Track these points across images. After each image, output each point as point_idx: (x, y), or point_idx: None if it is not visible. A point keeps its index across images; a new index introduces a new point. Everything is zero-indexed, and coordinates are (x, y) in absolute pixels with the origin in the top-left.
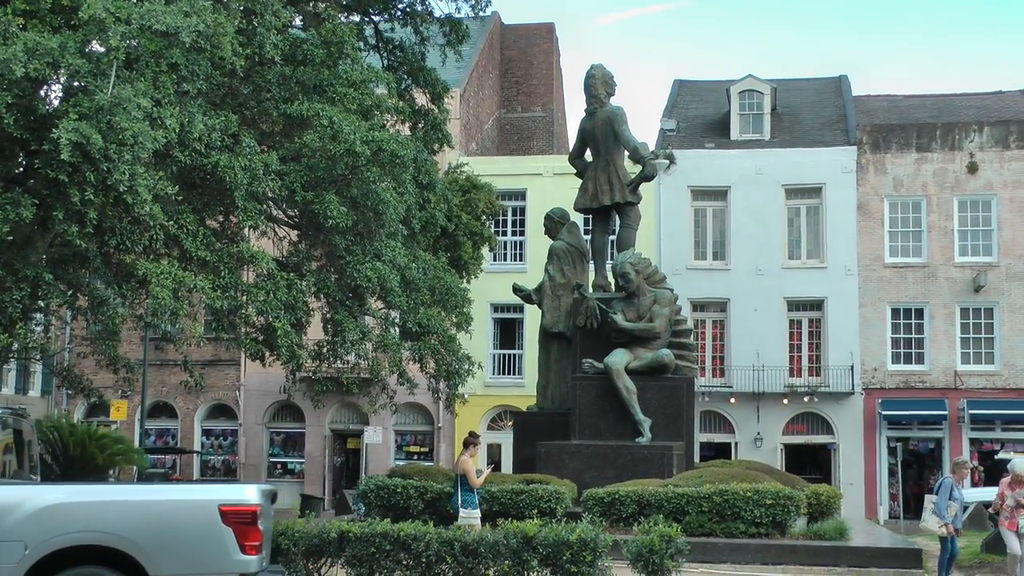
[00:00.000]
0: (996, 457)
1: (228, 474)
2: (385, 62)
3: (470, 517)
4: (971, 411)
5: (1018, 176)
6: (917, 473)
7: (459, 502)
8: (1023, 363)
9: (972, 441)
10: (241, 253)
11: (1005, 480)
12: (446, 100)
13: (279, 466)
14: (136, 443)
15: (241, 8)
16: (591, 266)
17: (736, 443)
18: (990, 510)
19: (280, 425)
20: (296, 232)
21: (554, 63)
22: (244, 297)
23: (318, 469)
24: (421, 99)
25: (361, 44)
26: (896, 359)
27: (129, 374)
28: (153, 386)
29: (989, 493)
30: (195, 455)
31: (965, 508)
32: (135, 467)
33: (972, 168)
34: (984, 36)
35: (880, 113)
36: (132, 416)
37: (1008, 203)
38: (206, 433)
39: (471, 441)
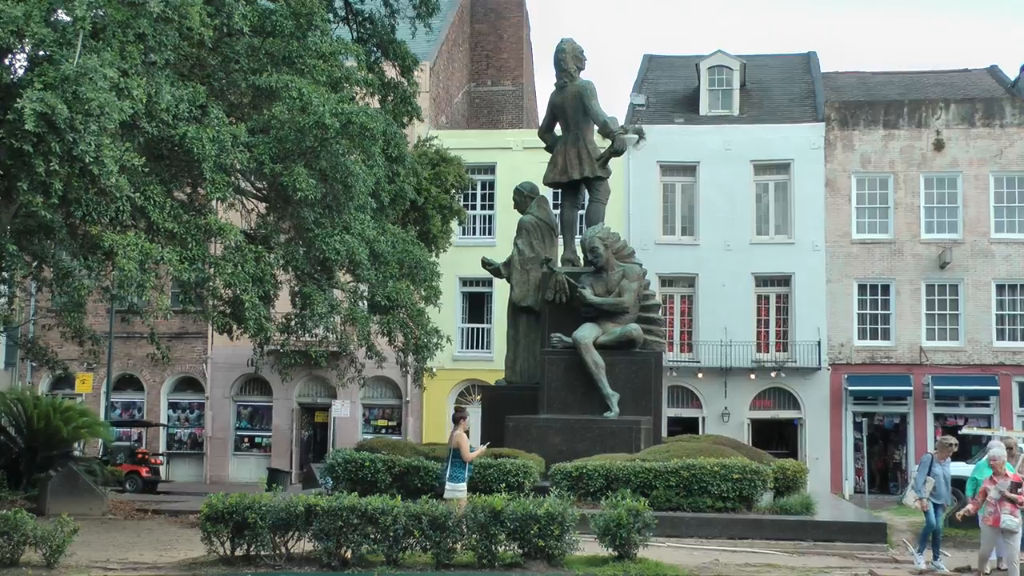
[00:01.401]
0: (960, 433)
1: (195, 447)
2: (355, 34)
3: (455, 491)
4: (936, 387)
5: (983, 154)
6: (882, 448)
7: (447, 476)
8: (987, 339)
9: (937, 416)
10: (209, 225)
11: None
12: (416, 73)
13: (246, 439)
14: (102, 416)
15: None
16: (560, 240)
17: (703, 418)
18: (967, 508)
19: (247, 398)
20: (264, 204)
21: (524, 37)
22: (212, 270)
23: (285, 443)
24: (391, 72)
25: (330, 16)
26: (862, 335)
27: (95, 346)
28: (119, 359)
29: (958, 468)
30: (161, 428)
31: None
32: (101, 440)
33: (938, 145)
34: (951, 15)
35: (848, 90)
36: (98, 389)
37: (973, 180)
38: (172, 406)
39: (460, 416)
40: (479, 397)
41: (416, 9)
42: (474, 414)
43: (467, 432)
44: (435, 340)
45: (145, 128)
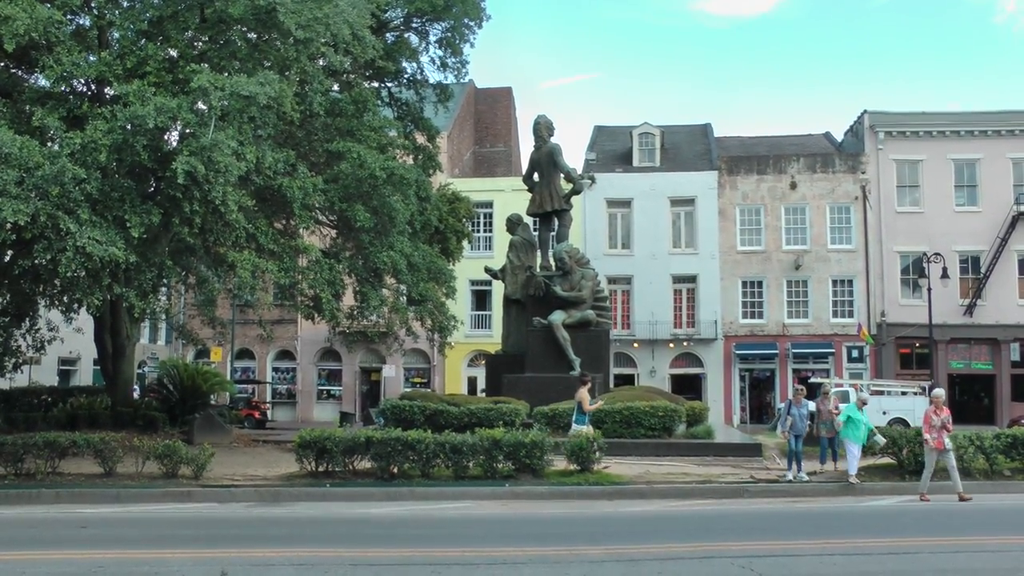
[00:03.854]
0: (809, 381)
1: (290, 398)
2: (395, 113)
3: (577, 433)
4: (794, 350)
5: (822, 191)
6: (758, 393)
7: (573, 420)
8: (827, 318)
9: (794, 371)
10: (297, 246)
11: (929, 408)
12: (437, 140)
13: (324, 392)
14: (228, 376)
15: (298, 79)
16: (539, 253)
17: (638, 374)
18: (927, 438)
19: (325, 364)
20: (335, 231)
21: (512, 114)
22: (299, 276)
23: (351, 394)
24: (420, 139)
25: (379, 102)
26: (745, 316)
27: (222, 329)
28: (239, 337)
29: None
30: (268, 385)
31: (812, 418)
32: (228, 393)
33: (793, 186)
34: (802, 95)
35: (733, 148)
36: (225, 358)
37: (816, 209)
38: (275, 370)
39: (584, 379)
40: (484, 362)
41: (437, 96)
42: (480, 374)
43: (589, 391)
44: (452, 323)
45: (255, 180)
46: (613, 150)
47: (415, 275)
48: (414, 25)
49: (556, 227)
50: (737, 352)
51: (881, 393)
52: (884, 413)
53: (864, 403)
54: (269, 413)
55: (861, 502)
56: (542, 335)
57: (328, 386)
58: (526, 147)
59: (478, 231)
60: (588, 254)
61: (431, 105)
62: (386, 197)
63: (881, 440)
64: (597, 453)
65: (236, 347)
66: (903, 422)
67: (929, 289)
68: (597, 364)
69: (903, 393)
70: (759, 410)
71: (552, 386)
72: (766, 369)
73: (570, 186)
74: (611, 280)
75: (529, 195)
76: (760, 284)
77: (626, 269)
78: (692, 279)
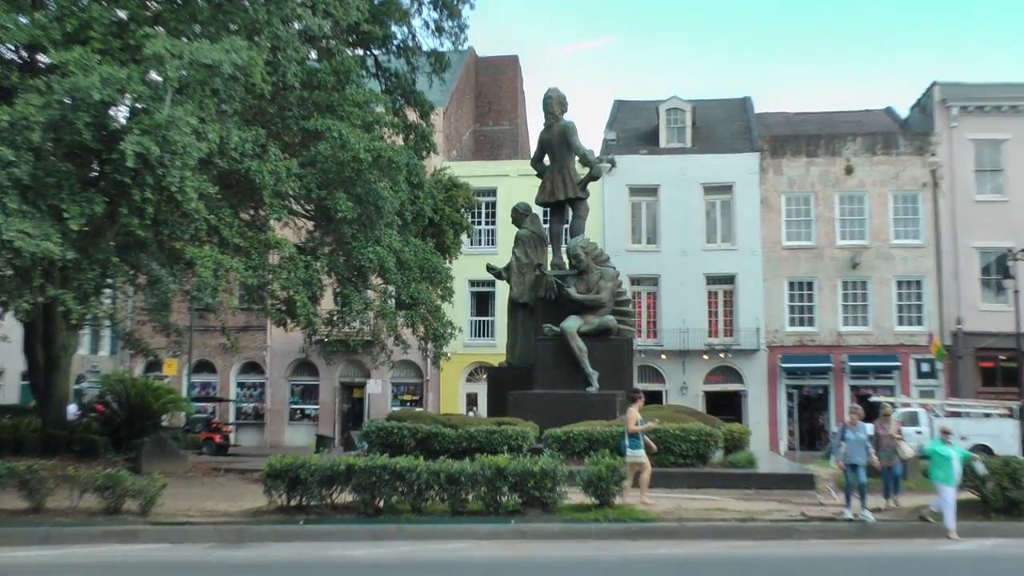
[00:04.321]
0: (869, 400)
1: (257, 418)
2: (383, 86)
3: (634, 456)
4: (851, 364)
5: (883, 176)
6: (809, 414)
7: (625, 445)
8: (889, 325)
9: (852, 388)
10: (268, 240)
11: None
12: (432, 116)
13: (298, 412)
14: (184, 393)
15: (269, 45)
16: (549, 249)
17: (666, 391)
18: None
19: (299, 379)
20: (312, 223)
21: (518, 87)
22: (270, 275)
23: (330, 414)
24: (412, 116)
25: (364, 72)
26: (792, 322)
27: (178, 337)
28: (197, 347)
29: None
30: (231, 403)
31: (876, 445)
32: (183, 412)
33: (848, 170)
34: (858, 64)
35: (777, 126)
36: (181, 372)
37: (877, 197)
38: (240, 385)
39: (633, 396)
40: (485, 376)
41: (432, 66)
42: (481, 390)
43: (638, 409)
44: (449, 330)
45: (218, 163)
46: (637, 129)
47: (405, 274)
48: None
49: (570, 219)
50: (783, 366)
51: (959, 415)
52: (963, 439)
53: (948, 433)
54: (232, 437)
55: (938, 546)
56: (554, 345)
57: (303, 404)
58: (535, 125)
59: (479, 223)
60: (608, 250)
61: (425, 77)
62: (372, 183)
63: (982, 468)
64: (619, 484)
65: (194, 359)
66: (986, 449)
67: (1016, 292)
68: (618, 379)
69: (986, 415)
70: (810, 434)
71: (566, 405)
72: (818, 386)
73: (586, 171)
74: (634, 280)
75: (538, 181)
76: (810, 285)
77: (652, 268)
78: (730, 279)
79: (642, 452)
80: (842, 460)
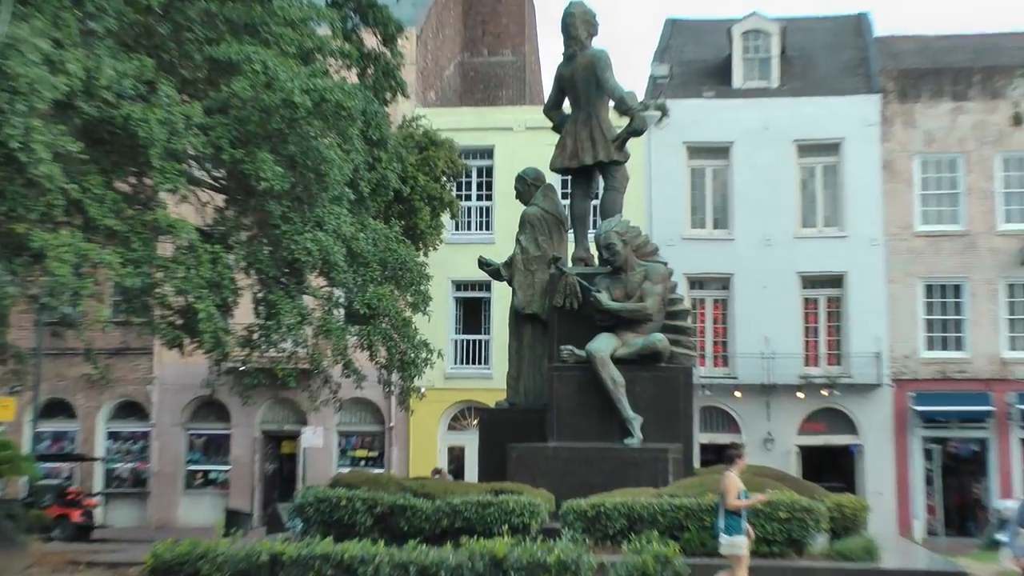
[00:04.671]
0: None
1: (137, 485)
2: None
3: (732, 545)
4: (1021, 406)
5: None
6: (958, 481)
7: (720, 526)
8: None
9: None
10: (157, 222)
11: None
12: (400, 42)
13: (199, 475)
14: (26, 449)
15: None
16: (570, 236)
17: (743, 444)
18: None
19: (201, 426)
20: (223, 197)
21: (525, 1)
22: (160, 274)
23: (246, 478)
24: (371, 41)
25: None
26: (931, 344)
27: (19, 366)
28: (48, 380)
29: None
30: (98, 462)
31: None
32: (25, 478)
33: (1017, 120)
34: None
35: (908, 56)
36: (21, 416)
37: None
38: (112, 436)
39: (736, 455)
40: (475, 422)
41: None
42: (469, 443)
43: (739, 473)
44: (424, 355)
45: (83, 109)
46: (699, 61)
47: (360, 272)
48: None
49: (601, 192)
50: (917, 408)
51: None
52: None
53: None
54: (99, 513)
55: None
56: (577, 377)
57: (206, 464)
58: (550, 57)
59: (468, 197)
60: (656, 237)
61: None
62: (311, 139)
63: None
64: None
65: (43, 397)
66: None
67: None
68: (670, 426)
69: None
70: (960, 511)
71: (594, 465)
72: (971, 439)
73: (626, 122)
74: (695, 283)
75: (554, 137)
76: (957, 290)
77: (721, 264)
78: (836, 281)
79: (743, 540)
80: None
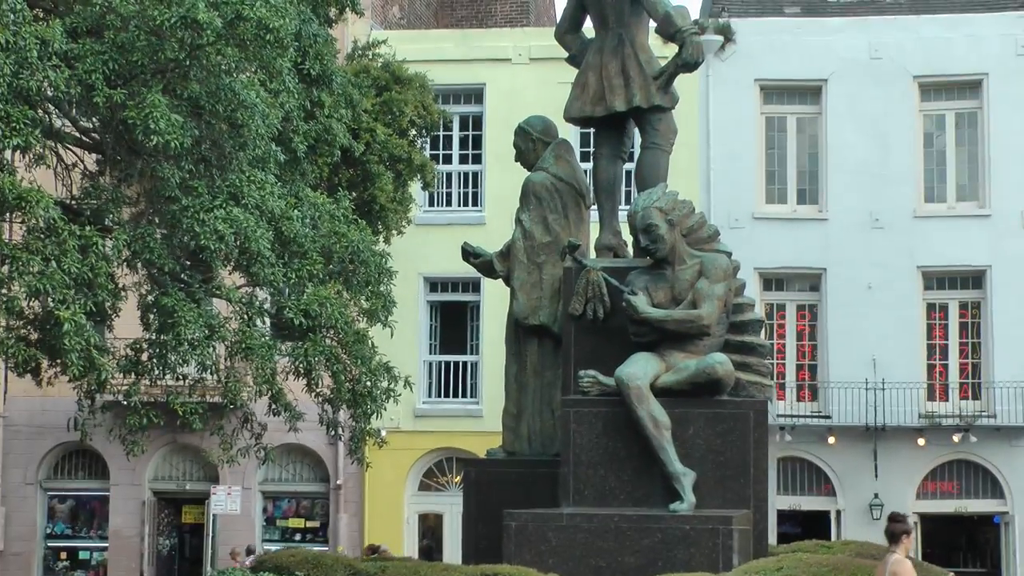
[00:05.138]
0: None
1: None
2: None
3: None
4: None
5: None
6: None
7: None
8: None
9: None
10: (2, 192)
11: None
12: None
13: (64, 554)
14: None
15: None
16: (594, 214)
17: (840, 511)
18: None
19: (66, 485)
20: (96, 157)
21: None
22: (6, 267)
23: (131, 558)
24: None
25: None
26: None
27: None
28: None
29: None
30: None
31: None
32: None
33: None
34: None
35: None
36: None
37: None
38: None
39: (899, 529)
40: (458, 479)
41: None
42: (449, 509)
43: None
44: (385, 383)
45: None
46: None
47: (294, 267)
48: None
49: (638, 151)
50: None
51: None
52: None
53: None
54: None
55: None
56: (603, 415)
57: (75, 540)
58: None
59: (447, 159)
60: (715, 217)
61: None
62: (222, 75)
63: None
64: None
65: None
66: None
67: None
68: (736, 484)
69: None
70: None
71: (627, 538)
72: None
73: (672, 51)
74: (769, 282)
75: (569, 75)
76: None
77: (809, 255)
78: (975, 279)
79: None
80: None
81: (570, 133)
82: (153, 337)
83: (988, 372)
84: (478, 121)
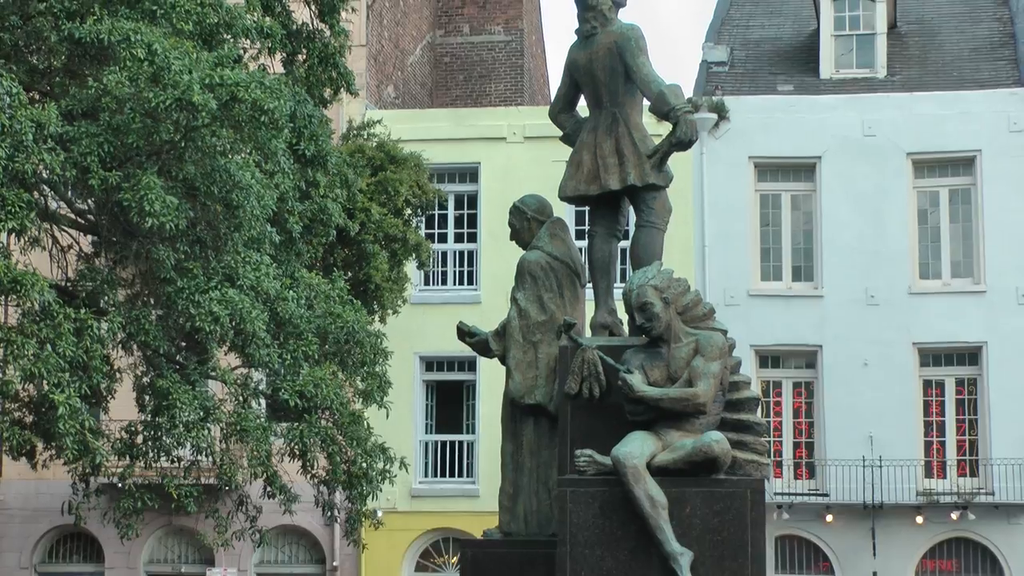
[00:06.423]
0: None
1: None
2: None
3: None
4: None
5: None
6: None
7: None
8: None
9: None
10: None
11: None
12: (344, 14)
13: None
14: None
15: None
16: (589, 292)
17: None
18: None
19: (62, 568)
20: (91, 239)
21: None
22: (0, 351)
23: None
24: (302, 13)
25: None
26: None
27: None
28: None
29: None
30: None
31: None
32: None
33: None
34: None
35: None
36: None
37: None
38: None
39: None
40: (455, 560)
41: None
42: None
43: None
44: (381, 464)
45: None
46: (770, 40)
47: (290, 348)
48: None
49: (633, 229)
50: None
51: None
52: None
53: None
54: None
55: None
56: (600, 495)
57: None
58: (560, 35)
59: (442, 238)
60: (711, 295)
61: None
62: (218, 156)
63: None
64: None
65: None
66: None
67: None
68: (734, 563)
69: None
70: None
71: None
72: None
73: (666, 129)
74: (765, 359)
75: (564, 152)
76: None
77: (805, 332)
78: (971, 356)
79: None
80: None
81: (565, 211)
82: (148, 419)
83: (985, 449)
84: (473, 200)
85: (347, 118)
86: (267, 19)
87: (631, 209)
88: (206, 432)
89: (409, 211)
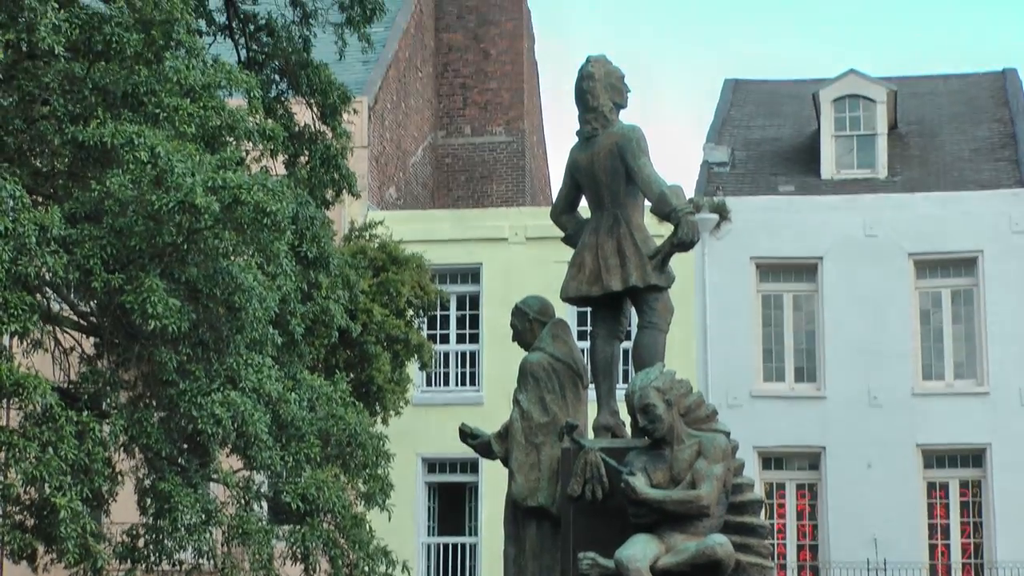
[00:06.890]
0: None
1: None
2: (244, 53)
3: None
4: None
5: None
6: None
7: None
8: None
9: None
10: None
11: None
12: (345, 116)
13: None
14: None
15: None
16: (591, 394)
17: None
18: None
19: None
20: (93, 341)
21: (525, 52)
22: (2, 454)
23: None
24: (304, 116)
25: (203, 23)
26: None
27: None
28: None
29: None
30: None
31: None
32: None
33: None
34: None
35: None
36: None
37: None
38: None
39: None
40: None
41: (346, 10)
42: None
43: None
44: (383, 568)
45: None
46: (771, 140)
47: (291, 450)
48: None
49: (635, 331)
50: None
51: None
52: None
53: None
54: None
55: None
56: None
57: None
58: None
59: (444, 339)
60: (712, 396)
61: (331, 30)
62: (220, 258)
63: None
64: None
65: None
66: None
67: None
68: None
69: None
70: None
71: None
72: None
73: (667, 230)
74: (769, 461)
75: (566, 254)
76: None
77: (807, 432)
78: (976, 457)
79: None
80: None
81: (567, 312)
82: (150, 522)
83: (990, 552)
84: (475, 300)
85: (349, 219)
86: (269, 121)
87: (633, 310)
88: (208, 535)
89: (411, 312)
